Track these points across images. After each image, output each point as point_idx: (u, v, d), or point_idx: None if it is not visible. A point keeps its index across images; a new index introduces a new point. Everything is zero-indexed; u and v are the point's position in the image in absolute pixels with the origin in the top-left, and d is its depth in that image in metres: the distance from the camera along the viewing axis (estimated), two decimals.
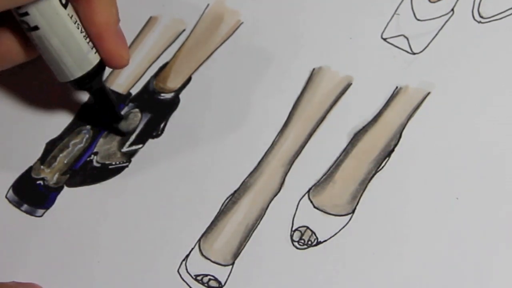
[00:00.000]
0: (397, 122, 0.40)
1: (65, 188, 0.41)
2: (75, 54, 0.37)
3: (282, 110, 0.42)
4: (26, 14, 0.35)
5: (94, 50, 0.38)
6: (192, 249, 0.39)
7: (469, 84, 0.41)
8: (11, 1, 0.34)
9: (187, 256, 0.39)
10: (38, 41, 0.36)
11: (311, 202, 0.39)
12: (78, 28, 0.37)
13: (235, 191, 0.40)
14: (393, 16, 0.43)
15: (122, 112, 0.43)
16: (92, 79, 0.38)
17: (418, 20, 0.43)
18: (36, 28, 0.36)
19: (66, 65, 0.37)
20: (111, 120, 0.42)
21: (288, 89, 0.42)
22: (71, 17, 0.36)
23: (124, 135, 0.42)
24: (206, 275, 0.38)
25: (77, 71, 0.38)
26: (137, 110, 0.43)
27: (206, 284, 0.38)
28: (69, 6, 0.36)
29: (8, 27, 0.37)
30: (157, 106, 0.43)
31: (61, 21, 0.36)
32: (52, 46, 0.36)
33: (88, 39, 0.37)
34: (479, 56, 0.41)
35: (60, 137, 0.43)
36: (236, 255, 0.38)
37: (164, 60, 0.44)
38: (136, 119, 0.43)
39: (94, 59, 0.38)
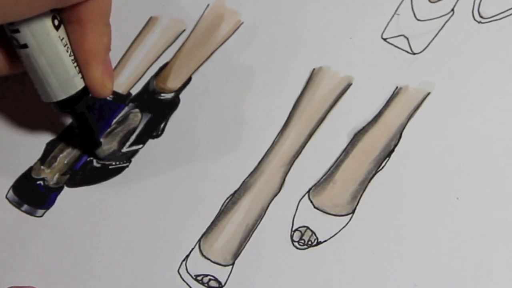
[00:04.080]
0: (397, 122, 0.40)
1: (65, 188, 0.41)
2: (60, 76, 0.37)
3: (282, 110, 0.42)
4: (17, 31, 0.35)
5: (80, 74, 0.37)
6: (192, 249, 0.39)
7: (469, 84, 0.41)
8: (2, 16, 0.33)
9: (187, 256, 0.39)
10: (25, 59, 0.36)
11: (311, 202, 0.39)
12: (67, 51, 0.36)
13: (235, 191, 0.40)
14: (393, 16, 0.43)
15: (122, 112, 0.43)
16: (75, 103, 0.38)
17: (418, 20, 0.43)
18: (25, 46, 0.35)
19: (51, 86, 0.37)
20: (90, 145, 0.42)
21: (288, 89, 0.42)
22: (61, 39, 0.36)
23: (102, 160, 0.42)
24: (206, 275, 0.38)
25: (61, 94, 0.37)
26: (137, 110, 0.43)
27: (206, 284, 0.38)
28: (61, 28, 0.36)
29: None
30: (157, 106, 0.43)
31: (51, 43, 0.36)
32: (39, 66, 0.36)
33: (76, 63, 0.37)
34: (479, 56, 0.41)
35: (61, 138, 0.43)
36: (236, 255, 0.38)
37: (164, 60, 0.44)
38: (136, 119, 0.43)
39: (79, 83, 0.38)
